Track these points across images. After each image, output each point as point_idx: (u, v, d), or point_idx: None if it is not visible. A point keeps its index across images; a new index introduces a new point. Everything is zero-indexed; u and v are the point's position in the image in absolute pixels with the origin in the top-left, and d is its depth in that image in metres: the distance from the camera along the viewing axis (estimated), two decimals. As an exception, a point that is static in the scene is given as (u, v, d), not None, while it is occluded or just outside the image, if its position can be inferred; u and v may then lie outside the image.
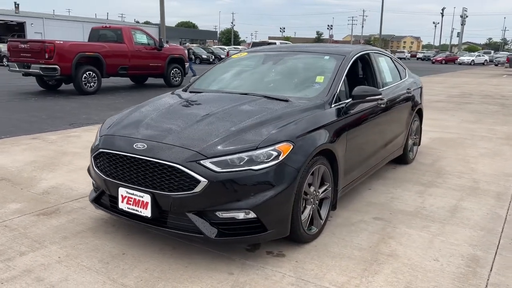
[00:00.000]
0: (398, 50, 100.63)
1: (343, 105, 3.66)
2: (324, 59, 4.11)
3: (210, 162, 2.75)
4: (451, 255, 3.12)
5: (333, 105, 3.55)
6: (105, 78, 13.58)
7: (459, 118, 9.62)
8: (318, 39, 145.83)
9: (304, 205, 3.17)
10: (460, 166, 5.54)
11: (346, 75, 4.06)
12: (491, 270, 2.93)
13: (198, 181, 2.71)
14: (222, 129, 3.00)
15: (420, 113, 5.67)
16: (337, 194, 3.57)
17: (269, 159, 2.82)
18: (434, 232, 3.50)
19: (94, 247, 3.12)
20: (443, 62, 54.22)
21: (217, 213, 2.78)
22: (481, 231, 3.55)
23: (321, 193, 3.36)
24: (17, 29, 54.41)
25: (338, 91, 3.67)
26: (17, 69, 12.35)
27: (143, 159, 2.88)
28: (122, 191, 3.01)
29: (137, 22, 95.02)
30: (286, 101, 3.52)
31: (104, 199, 3.29)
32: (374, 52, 4.67)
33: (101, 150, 3.15)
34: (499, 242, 3.36)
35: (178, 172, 2.76)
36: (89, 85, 12.51)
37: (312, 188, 3.22)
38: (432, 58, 57.27)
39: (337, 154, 3.41)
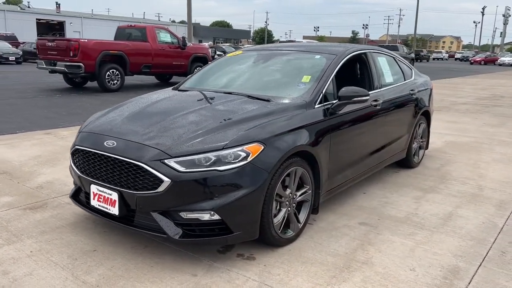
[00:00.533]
0: (435, 50, 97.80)
1: (329, 105, 3.55)
2: (315, 59, 4.01)
3: (174, 161, 2.72)
4: (430, 265, 2.97)
5: (317, 106, 3.45)
6: (130, 76, 13.84)
7: (481, 121, 9.22)
8: (354, 39, 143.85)
9: (278, 207, 3.10)
10: (468, 171, 5.30)
11: (337, 75, 3.95)
12: (469, 283, 2.77)
13: (162, 181, 2.69)
14: (193, 128, 2.96)
15: (427, 116, 5.45)
16: (319, 198, 3.47)
17: (237, 160, 2.76)
18: (419, 240, 3.35)
19: (68, 243, 3.15)
20: (482, 63, 52.23)
21: (181, 214, 2.75)
22: (470, 241, 3.36)
23: (299, 196, 3.27)
24: (58, 28, 56.45)
25: (324, 91, 3.57)
26: (44, 66, 12.77)
27: (112, 157, 2.89)
28: (93, 188, 3.03)
29: (173, 21, 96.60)
30: (268, 100, 3.45)
31: (81, 195, 3.32)
32: (373, 52, 4.52)
33: (76, 146, 3.18)
34: (487, 253, 3.17)
35: (143, 171, 2.75)
36: (112, 82, 12.78)
37: (287, 191, 3.14)
38: (470, 59, 55.28)
39: (318, 156, 3.31)
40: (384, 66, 4.64)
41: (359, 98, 3.58)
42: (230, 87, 3.93)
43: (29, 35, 41.59)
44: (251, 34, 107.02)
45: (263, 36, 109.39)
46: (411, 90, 4.97)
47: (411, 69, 5.37)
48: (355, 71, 4.51)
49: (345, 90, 3.57)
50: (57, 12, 57.97)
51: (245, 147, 2.81)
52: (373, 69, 4.34)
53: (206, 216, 2.74)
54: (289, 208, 3.18)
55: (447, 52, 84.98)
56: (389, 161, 4.74)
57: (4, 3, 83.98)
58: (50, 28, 55.53)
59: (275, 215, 3.07)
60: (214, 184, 2.71)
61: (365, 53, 4.35)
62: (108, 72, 12.59)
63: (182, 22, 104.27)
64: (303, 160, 3.22)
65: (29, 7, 63.64)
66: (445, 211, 3.97)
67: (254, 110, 3.21)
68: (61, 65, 12.13)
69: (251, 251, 3.09)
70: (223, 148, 2.76)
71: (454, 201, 4.25)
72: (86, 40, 12.22)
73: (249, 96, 3.56)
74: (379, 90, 4.31)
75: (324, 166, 3.44)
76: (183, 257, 2.98)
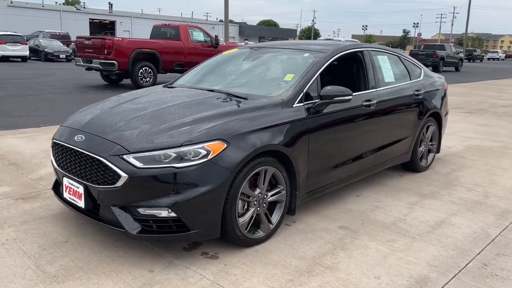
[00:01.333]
0: (491, 50, 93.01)
1: (311, 105, 3.46)
2: (303, 57, 3.91)
3: (133, 157, 2.74)
4: (398, 274, 2.82)
5: (295, 105, 3.37)
6: (163, 74, 14.16)
7: (516, 125, 8.68)
8: (404, 38, 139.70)
9: (245, 207, 3.06)
10: (480, 177, 5.00)
11: (328, 74, 3.87)
12: (434, 295, 2.61)
13: (120, 176, 2.72)
14: (158, 124, 2.97)
15: (437, 118, 5.19)
16: (296, 199, 3.39)
17: (197, 158, 2.75)
18: (397, 248, 3.19)
19: (44, 233, 3.26)
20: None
21: (139, 209, 2.77)
22: (453, 251, 3.17)
23: (270, 196, 3.21)
24: (110, 27, 58.72)
25: (305, 90, 3.48)
26: (82, 63, 13.31)
27: (78, 151, 2.96)
28: (65, 181, 3.12)
29: (220, 20, 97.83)
30: (245, 98, 3.41)
31: (60, 188, 3.43)
32: (372, 50, 4.35)
33: (53, 140, 3.29)
34: (466, 265, 2.98)
35: (104, 166, 2.79)
36: (145, 80, 13.12)
37: (256, 191, 3.09)
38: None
39: (293, 156, 3.23)
40: (384, 65, 4.47)
41: (341, 98, 3.47)
42: (215, 84, 3.92)
43: (82, 34, 43.52)
44: (297, 33, 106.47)
45: (309, 35, 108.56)
46: (416, 90, 4.75)
47: (421, 69, 5.13)
48: (349, 69, 4.37)
49: (327, 89, 3.46)
50: (109, 12, 60.30)
51: (205, 145, 2.79)
52: (368, 68, 4.18)
53: (163, 213, 2.75)
54: (258, 208, 3.13)
55: (504, 52, 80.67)
56: (389, 163, 4.56)
57: (64, 4, 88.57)
58: (102, 27, 57.82)
59: (242, 215, 3.04)
60: (170, 181, 2.71)
61: (361, 52, 4.20)
62: (141, 70, 12.94)
63: (229, 21, 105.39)
64: (276, 160, 3.16)
65: (84, 7, 66.70)
66: (437, 218, 3.77)
67: (226, 108, 3.18)
68: (96, 63, 12.60)
69: (217, 250, 3.07)
70: (181, 145, 2.76)
71: (452, 208, 4.02)
72: (120, 39, 12.62)
73: (228, 94, 3.53)
74: (374, 90, 4.15)
75: (302, 167, 3.36)
76: (148, 253, 3.01)
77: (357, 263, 2.95)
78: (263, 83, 3.78)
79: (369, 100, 4.00)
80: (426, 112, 4.88)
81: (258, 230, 3.18)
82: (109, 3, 61.91)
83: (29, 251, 2.98)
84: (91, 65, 12.89)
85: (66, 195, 3.14)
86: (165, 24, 14.97)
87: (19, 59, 25.74)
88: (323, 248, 3.15)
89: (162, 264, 2.87)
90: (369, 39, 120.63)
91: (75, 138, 3.05)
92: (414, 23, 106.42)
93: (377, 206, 4.00)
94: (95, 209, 2.98)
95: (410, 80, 4.83)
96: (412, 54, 29.89)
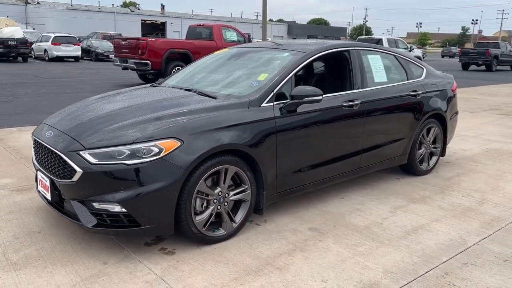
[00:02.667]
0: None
1: (282, 105, 3.44)
2: (282, 56, 3.90)
3: (88, 153, 2.87)
4: (348, 279, 2.76)
5: (264, 105, 3.37)
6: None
7: (551, 128, 8.10)
8: (463, 35, 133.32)
9: (205, 205, 3.11)
10: (484, 183, 4.74)
11: (308, 74, 3.83)
12: (376, 302, 2.53)
13: (75, 171, 2.85)
14: (118, 122, 3.08)
15: (440, 119, 4.97)
16: (264, 199, 3.39)
17: (148, 155, 2.83)
18: (360, 252, 3.12)
19: (23, 223, 3.47)
20: None
21: (94, 204, 2.89)
22: (417, 258, 3.05)
23: (233, 195, 3.23)
24: (161, 28, 60.66)
25: (277, 90, 3.47)
26: (119, 63, 13.87)
27: (45, 145, 3.13)
28: (38, 174, 3.31)
29: (270, 20, 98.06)
30: (214, 98, 3.46)
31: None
32: (361, 49, 4.24)
33: (31, 135, 3.49)
34: (425, 273, 2.86)
35: (63, 161, 2.94)
36: (177, 79, 13.45)
37: (217, 189, 3.12)
38: None
39: (258, 156, 3.24)
40: (375, 65, 4.34)
41: (310, 98, 3.43)
42: (195, 83, 3.99)
43: (134, 35, 45.31)
44: (348, 31, 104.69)
45: (361, 33, 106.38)
46: (413, 91, 4.57)
47: (423, 69, 4.93)
48: (332, 69, 4.29)
49: (297, 89, 3.43)
50: (160, 13, 62.24)
51: (158, 143, 2.86)
52: (354, 68, 4.09)
53: (116, 208, 2.85)
54: (219, 207, 3.16)
55: None
56: (380, 165, 4.43)
57: (121, 6, 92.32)
58: (154, 28, 59.81)
59: (200, 212, 3.09)
60: (121, 177, 2.80)
61: (347, 51, 4.11)
62: (174, 70, 13.27)
63: (279, 20, 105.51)
64: (239, 159, 3.18)
65: (138, 9, 69.24)
66: (416, 224, 3.63)
67: (190, 107, 3.24)
68: (131, 62, 13.08)
69: (176, 246, 3.14)
70: (133, 142, 2.85)
71: (437, 214, 3.86)
72: (153, 39, 13.04)
73: (199, 93, 3.59)
74: (359, 90, 4.05)
75: (269, 167, 3.36)
76: (109, 246, 3.13)
77: (310, 265, 2.91)
78: (238, 82, 3.80)
79: (351, 101, 3.92)
80: (426, 114, 4.69)
81: (220, 229, 3.21)
82: (161, 4, 63.91)
83: (1, 240, 3.18)
84: (127, 64, 13.40)
85: (39, 187, 3.33)
86: (200, 25, 15.27)
87: (72, 59, 27.15)
88: (282, 249, 3.14)
89: (117, 257, 2.97)
90: (423, 37, 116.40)
91: (46, 134, 3.22)
92: (473, 20, 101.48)
93: (358, 209, 3.91)
94: (61, 202, 3.14)
95: (407, 80, 4.66)
96: (463, 52, 28.53)
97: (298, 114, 3.52)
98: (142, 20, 56.70)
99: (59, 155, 2.96)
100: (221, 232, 3.21)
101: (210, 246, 3.16)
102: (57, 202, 3.15)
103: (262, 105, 3.37)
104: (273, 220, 3.63)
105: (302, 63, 3.71)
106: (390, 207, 3.98)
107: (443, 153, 5.18)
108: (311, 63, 3.80)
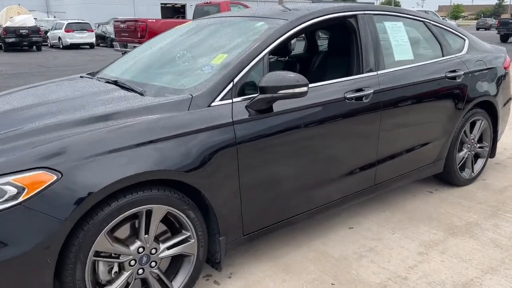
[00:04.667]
0: None
1: (245, 102, 2.23)
2: (254, 27, 2.65)
3: None
4: None
5: (216, 103, 2.16)
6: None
7: None
8: (499, 6, 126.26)
9: (116, 270, 1.95)
10: (554, 197, 3.40)
11: (292, 54, 2.58)
12: None
13: None
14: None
15: (489, 109, 3.62)
16: (221, 248, 2.21)
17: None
18: None
19: None
20: None
21: None
22: None
23: (165, 249, 2.06)
24: (182, 11, 59.32)
25: (238, 79, 2.24)
26: (119, 48, 12.82)
27: None
28: None
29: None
30: (141, 94, 2.27)
31: None
32: (374, 14, 2.93)
33: None
34: None
35: None
36: (183, 63, 12.31)
37: (135, 243, 1.96)
38: None
39: (202, 185, 2.06)
40: (396, 36, 3.03)
41: (290, 91, 2.18)
42: (129, 71, 2.79)
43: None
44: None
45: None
46: (451, 71, 3.24)
47: (464, 40, 3.57)
48: (332, 45, 3.00)
49: (268, 78, 2.19)
50: (182, -5, 60.84)
51: (14, 178, 1.70)
52: (365, 41, 2.79)
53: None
54: (140, 270, 2.00)
55: None
56: (403, 180, 3.16)
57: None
58: (175, 11, 58.52)
59: (108, 283, 1.94)
60: (-46, 238, 1.67)
61: (353, 17, 2.81)
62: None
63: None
64: (173, 192, 2.00)
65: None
66: (461, 279, 2.37)
67: (95, 111, 2.06)
68: (131, 47, 11.99)
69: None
70: (-34, 180, 1.70)
71: (492, 257, 2.58)
72: (154, 20, 11.89)
73: (123, 87, 2.40)
74: (371, 73, 2.77)
75: (227, 200, 2.17)
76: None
77: None
78: (187, 69, 2.59)
79: (359, 90, 2.65)
80: (469, 102, 3.35)
81: (150, 299, 2.06)
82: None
83: None
84: (127, 49, 12.32)
85: None
86: (207, 2, 14.00)
87: (87, 46, 26.36)
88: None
89: None
90: (456, 9, 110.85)
91: None
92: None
93: (371, 249, 2.68)
94: None
95: (443, 56, 3.33)
96: (501, 22, 26.24)
97: (274, 115, 2.30)
98: (161, 3, 55.58)
99: None
100: (151, 304, 2.05)
101: (130, 331, 2.01)
102: None
103: (213, 103, 2.16)
104: (244, 273, 2.44)
105: (281, 36, 2.45)
106: (419, 244, 2.72)
107: (492, 153, 3.84)
108: (297, 35, 2.56)
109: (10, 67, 14.66)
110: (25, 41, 23.04)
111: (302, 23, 2.56)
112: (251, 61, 2.31)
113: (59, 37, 25.56)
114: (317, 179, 2.55)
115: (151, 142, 1.94)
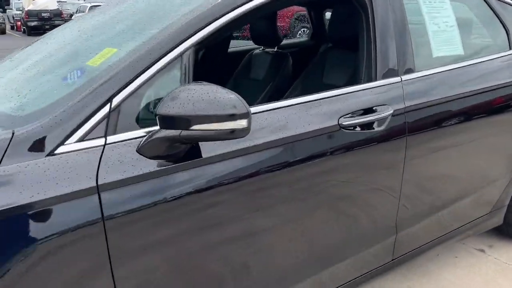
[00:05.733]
0: None
1: (138, 141, 1.15)
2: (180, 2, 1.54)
3: None
4: None
5: (65, 147, 1.10)
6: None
7: None
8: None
9: None
10: None
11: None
12: None
13: None
14: None
15: None
16: None
17: None
18: None
19: None
20: None
21: None
22: None
23: None
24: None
25: (126, 97, 1.18)
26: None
27: None
28: None
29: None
30: None
31: None
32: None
33: None
34: None
35: None
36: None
37: None
38: None
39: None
40: (436, 16, 1.86)
41: (212, 127, 1.09)
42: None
43: None
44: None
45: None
46: (524, 72, 2.05)
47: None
48: (334, 33, 1.86)
49: (174, 99, 1.09)
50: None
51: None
52: (383, 26, 1.65)
53: None
54: None
55: None
56: (442, 243, 2.02)
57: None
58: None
59: None
60: None
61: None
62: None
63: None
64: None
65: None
66: None
67: None
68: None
69: None
70: None
71: None
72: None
73: None
74: (391, 80, 1.63)
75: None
76: None
77: None
78: (47, 76, 1.49)
79: (369, 111, 1.52)
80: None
81: None
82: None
83: None
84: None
85: None
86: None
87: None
88: None
89: None
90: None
91: None
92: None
93: None
94: None
95: (510, 49, 2.13)
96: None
97: (192, 167, 1.21)
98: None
99: None
100: None
101: None
102: None
103: (60, 147, 1.09)
104: None
105: (221, 15, 1.34)
106: None
107: None
108: (262, 13, 1.46)
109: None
110: (47, 24, 22.53)
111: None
112: (158, 59, 1.23)
113: (83, 20, 25.15)
114: (294, 260, 1.47)
115: None
